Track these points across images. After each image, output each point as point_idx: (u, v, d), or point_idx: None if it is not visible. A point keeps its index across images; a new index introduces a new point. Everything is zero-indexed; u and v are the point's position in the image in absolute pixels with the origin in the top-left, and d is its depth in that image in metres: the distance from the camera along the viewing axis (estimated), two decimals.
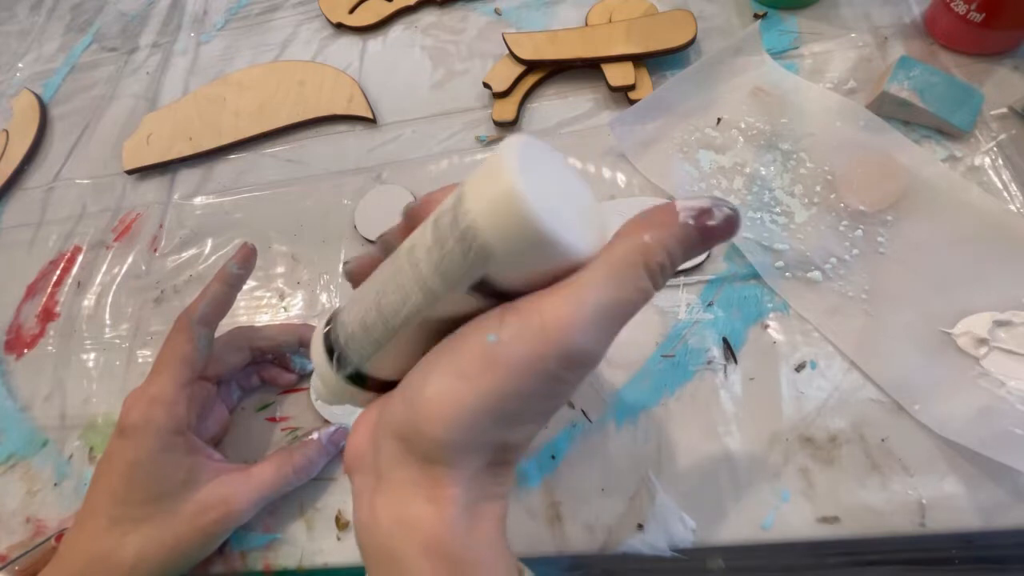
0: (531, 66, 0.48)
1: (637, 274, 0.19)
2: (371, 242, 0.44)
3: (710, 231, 0.19)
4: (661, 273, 0.19)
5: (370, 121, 0.50)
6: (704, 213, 0.19)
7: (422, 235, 0.21)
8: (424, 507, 0.20)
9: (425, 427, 0.19)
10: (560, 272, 0.19)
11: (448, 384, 0.19)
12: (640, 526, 0.32)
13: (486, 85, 0.48)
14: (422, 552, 0.19)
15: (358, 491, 0.22)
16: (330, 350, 0.24)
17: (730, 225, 0.19)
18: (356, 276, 0.26)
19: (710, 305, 0.37)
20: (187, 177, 0.52)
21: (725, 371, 0.35)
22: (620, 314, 0.19)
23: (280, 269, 0.45)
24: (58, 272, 0.50)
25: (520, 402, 0.19)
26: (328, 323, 0.25)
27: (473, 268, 0.19)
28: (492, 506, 0.21)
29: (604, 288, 0.19)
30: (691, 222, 0.19)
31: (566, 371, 0.19)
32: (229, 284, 0.36)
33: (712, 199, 0.20)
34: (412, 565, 0.19)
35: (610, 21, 0.48)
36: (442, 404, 0.19)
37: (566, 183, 0.21)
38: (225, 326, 0.37)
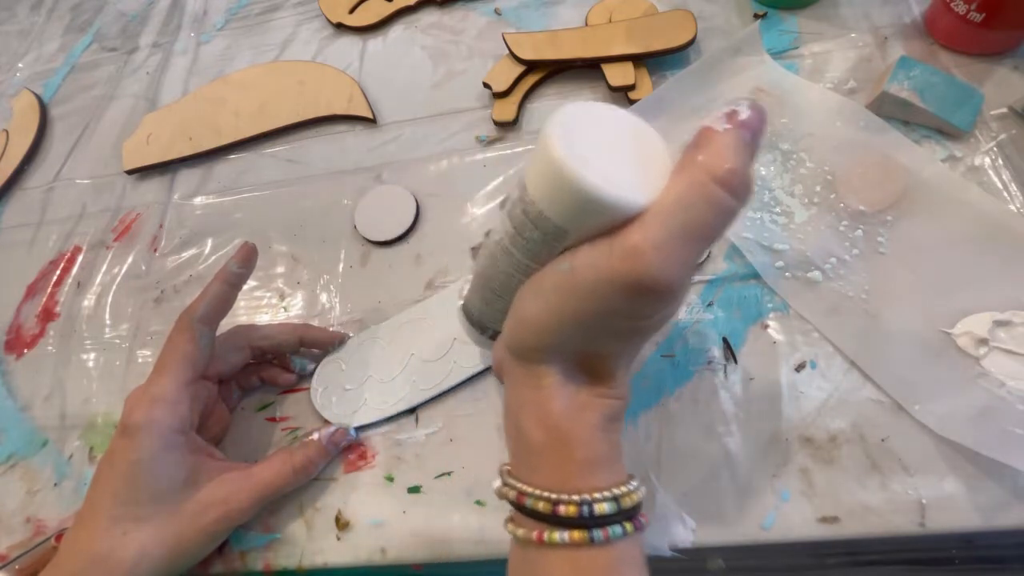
0: (531, 66, 0.48)
1: (706, 190, 0.20)
2: (370, 242, 0.44)
3: (747, 123, 0.21)
4: (733, 179, 0.20)
5: (370, 121, 0.50)
6: (732, 114, 0.21)
7: (504, 227, 0.25)
8: (532, 393, 0.25)
9: (521, 336, 0.25)
10: (632, 219, 0.21)
11: (533, 305, 0.24)
12: None
13: (486, 85, 0.48)
14: (536, 424, 0.25)
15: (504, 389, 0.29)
16: (470, 322, 0.32)
17: (756, 111, 0.21)
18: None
19: (710, 305, 0.37)
20: (187, 177, 0.52)
21: (725, 371, 0.35)
22: (694, 235, 0.21)
23: (280, 269, 0.45)
24: (58, 272, 0.50)
25: (591, 319, 0.23)
26: (463, 303, 0.32)
27: (554, 244, 0.23)
28: (595, 402, 0.25)
29: (671, 213, 0.20)
30: (728, 126, 0.21)
31: (636, 297, 0.21)
32: (230, 283, 0.36)
33: (728, 106, 0.21)
34: (530, 434, 0.25)
35: (610, 21, 0.48)
36: (529, 319, 0.24)
37: (623, 137, 0.22)
38: (225, 326, 0.37)
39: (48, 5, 0.71)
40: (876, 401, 0.32)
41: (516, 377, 0.26)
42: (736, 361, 0.35)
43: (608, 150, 0.21)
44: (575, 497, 0.23)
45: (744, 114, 0.21)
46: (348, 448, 0.37)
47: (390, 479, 0.36)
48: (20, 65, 0.66)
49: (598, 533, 0.23)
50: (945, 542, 0.32)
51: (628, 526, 0.24)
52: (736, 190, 0.20)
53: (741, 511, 0.31)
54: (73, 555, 0.31)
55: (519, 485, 0.25)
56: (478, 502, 0.34)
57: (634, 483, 0.25)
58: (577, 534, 0.23)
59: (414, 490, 0.35)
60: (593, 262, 0.22)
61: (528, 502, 0.24)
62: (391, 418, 0.37)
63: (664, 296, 0.21)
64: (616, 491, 0.24)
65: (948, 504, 0.30)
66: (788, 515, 0.31)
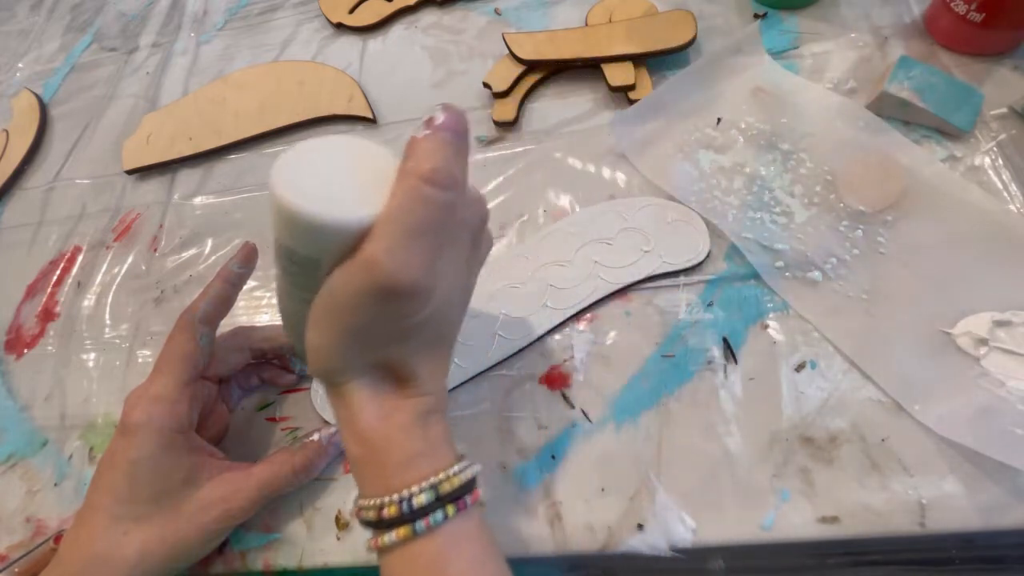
0: (531, 66, 0.48)
1: (416, 191, 0.22)
2: None
3: (444, 125, 0.23)
4: (436, 175, 0.22)
5: (370, 121, 0.50)
6: (428, 121, 0.23)
7: (278, 268, 0.27)
8: (345, 412, 0.26)
9: (315, 366, 0.26)
10: (366, 234, 0.23)
11: (314, 334, 0.25)
12: (640, 526, 0.32)
13: (486, 85, 0.48)
14: (353, 441, 0.26)
15: None
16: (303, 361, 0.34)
17: (451, 112, 0.23)
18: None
19: (710, 305, 0.37)
20: (187, 177, 0.52)
21: (725, 371, 0.35)
22: (417, 231, 0.23)
23: None
24: (58, 272, 0.50)
25: (362, 331, 0.24)
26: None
27: (315, 274, 0.24)
28: (403, 404, 0.26)
29: (394, 219, 0.22)
30: (428, 131, 0.23)
31: (388, 301, 0.23)
32: (231, 283, 0.36)
33: (427, 114, 0.24)
34: (351, 451, 0.27)
35: (610, 21, 0.48)
36: (314, 347, 0.25)
37: (350, 164, 0.24)
38: (225, 326, 0.37)
39: (48, 5, 0.71)
40: (876, 401, 0.32)
41: (331, 403, 0.27)
42: (736, 361, 0.35)
43: (332, 179, 0.23)
44: (395, 496, 0.25)
45: (440, 118, 0.23)
46: None
47: None
48: (20, 65, 0.66)
49: (420, 524, 0.25)
50: (945, 542, 0.32)
51: (450, 509, 0.25)
52: (442, 184, 0.22)
53: (741, 511, 0.31)
54: (74, 554, 0.31)
55: (357, 503, 0.27)
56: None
57: (458, 465, 0.26)
58: (403, 531, 0.25)
59: None
60: (344, 280, 0.23)
61: (363, 515, 0.26)
62: None
63: (412, 294, 0.23)
64: (433, 479, 0.25)
65: (948, 504, 0.30)
66: (788, 515, 0.31)
